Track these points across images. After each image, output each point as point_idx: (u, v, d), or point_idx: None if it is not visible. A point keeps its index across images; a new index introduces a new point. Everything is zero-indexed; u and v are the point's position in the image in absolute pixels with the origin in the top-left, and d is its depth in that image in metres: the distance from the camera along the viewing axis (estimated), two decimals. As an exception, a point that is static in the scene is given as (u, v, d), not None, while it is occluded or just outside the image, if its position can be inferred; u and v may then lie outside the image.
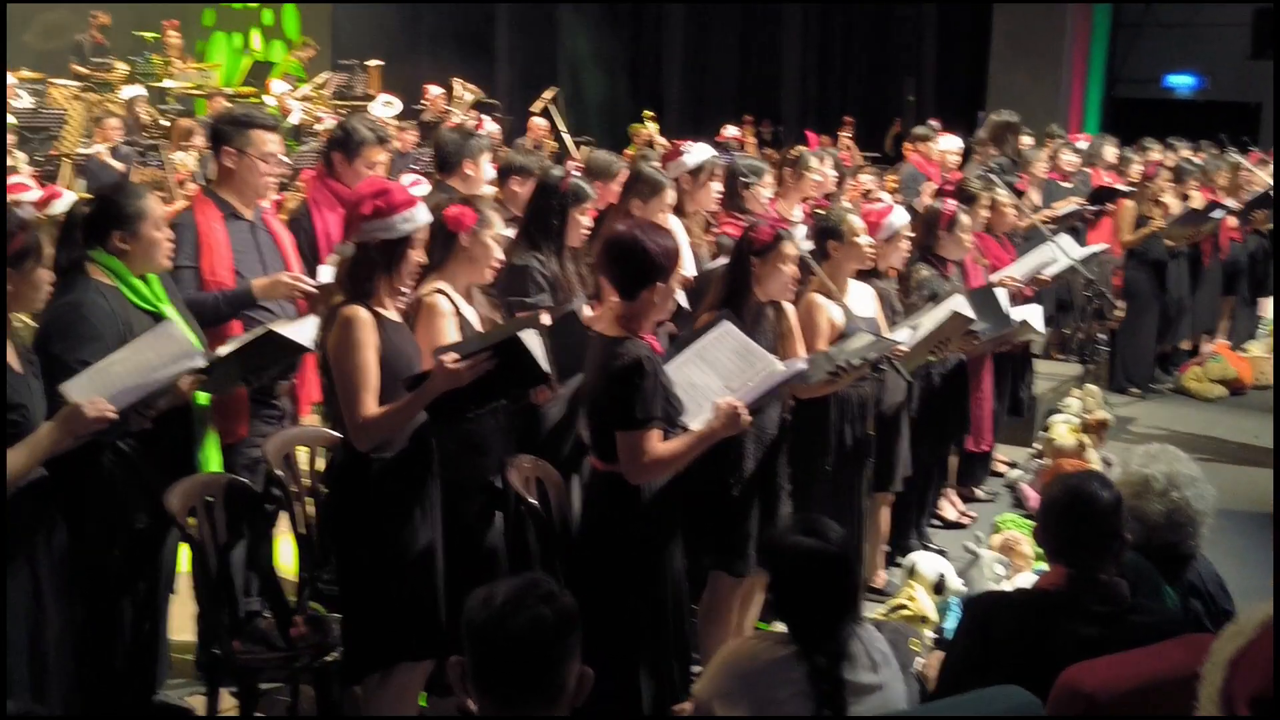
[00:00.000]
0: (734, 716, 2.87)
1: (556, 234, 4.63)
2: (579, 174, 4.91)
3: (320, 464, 4.31)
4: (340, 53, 18.20)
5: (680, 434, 3.71)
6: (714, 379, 3.93)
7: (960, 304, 5.19)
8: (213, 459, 4.01)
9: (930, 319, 5.12)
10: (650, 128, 14.78)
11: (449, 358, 3.44)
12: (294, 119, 13.12)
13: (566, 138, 10.03)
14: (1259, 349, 10.24)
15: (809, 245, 5.17)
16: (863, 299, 5.04)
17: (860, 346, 4.49)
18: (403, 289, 3.70)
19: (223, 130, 4.41)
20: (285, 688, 4.26)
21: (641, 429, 3.57)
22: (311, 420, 5.15)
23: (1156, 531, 3.37)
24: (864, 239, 4.95)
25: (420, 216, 3.61)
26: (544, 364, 3.63)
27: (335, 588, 3.90)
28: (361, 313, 3.52)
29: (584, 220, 4.71)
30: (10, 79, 12.27)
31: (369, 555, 3.60)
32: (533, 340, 3.58)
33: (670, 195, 5.07)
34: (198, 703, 4.23)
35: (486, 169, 5.35)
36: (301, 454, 4.37)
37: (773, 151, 8.76)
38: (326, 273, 4.32)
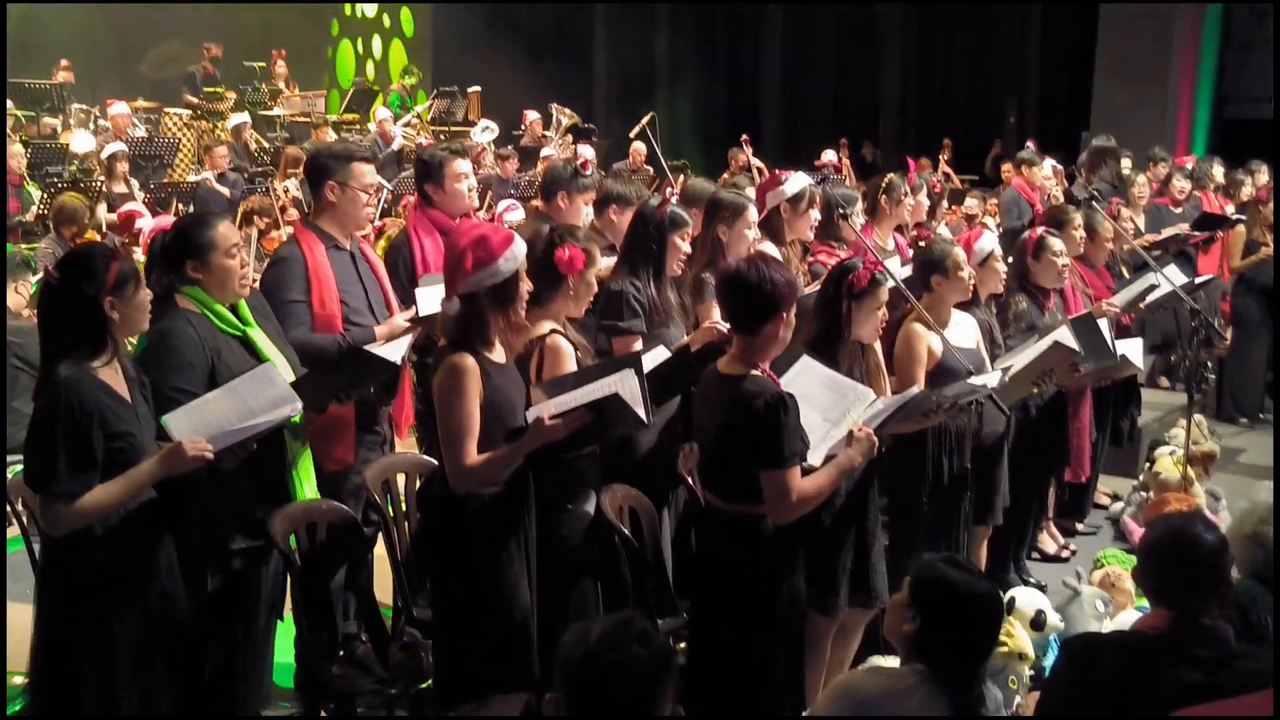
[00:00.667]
0: None
1: (655, 259, 4.66)
2: (676, 201, 4.96)
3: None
4: (441, 79, 18.55)
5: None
6: (810, 412, 3.90)
7: (1064, 335, 5.10)
8: (305, 478, 4.03)
9: (1029, 351, 5.04)
10: (746, 151, 14.80)
11: (546, 414, 3.46)
12: (395, 144, 13.41)
13: (663, 162, 10.11)
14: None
15: (904, 272, 5.14)
16: (965, 330, 4.99)
17: (955, 392, 4.44)
18: (520, 321, 3.70)
19: (324, 164, 4.49)
20: (382, 712, 4.33)
21: (788, 466, 3.55)
22: (409, 443, 5.23)
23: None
24: (966, 271, 4.92)
25: (520, 251, 3.62)
26: (642, 410, 3.57)
27: (429, 614, 3.95)
28: (468, 361, 3.54)
29: (683, 245, 4.73)
30: (125, 109, 12.86)
31: (463, 588, 3.63)
32: (631, 383, 3.54)
33: (752, 213, 5.08)
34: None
35: (583, 209, 5.48)
36: (399, 479, 4.44)
37: (860, 183, 8.73)
38: (426, 298, 4.37)
